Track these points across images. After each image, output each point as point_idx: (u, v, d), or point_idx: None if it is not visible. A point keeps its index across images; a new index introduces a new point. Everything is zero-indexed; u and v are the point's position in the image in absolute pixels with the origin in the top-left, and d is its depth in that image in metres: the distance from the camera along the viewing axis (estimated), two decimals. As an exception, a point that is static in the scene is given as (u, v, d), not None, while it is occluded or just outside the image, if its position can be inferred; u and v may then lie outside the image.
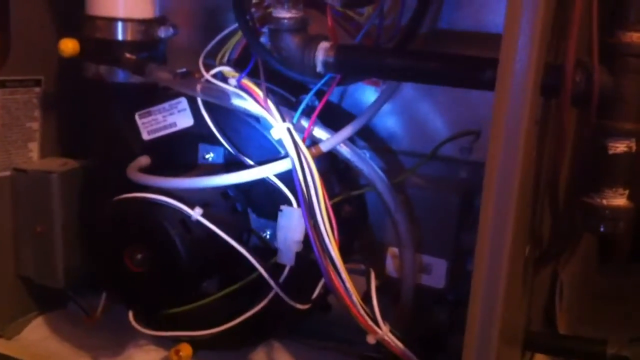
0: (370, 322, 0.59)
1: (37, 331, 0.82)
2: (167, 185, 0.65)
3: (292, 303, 0.67)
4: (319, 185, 0.60)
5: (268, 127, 0.66)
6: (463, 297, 0.74)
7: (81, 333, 0.81)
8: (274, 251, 0.68)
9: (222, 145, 0.70)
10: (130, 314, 0.66)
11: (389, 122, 0.74)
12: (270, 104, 0.64)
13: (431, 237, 0.71)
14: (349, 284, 0.58)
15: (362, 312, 0.59)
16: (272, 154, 0.68)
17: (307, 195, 0.60)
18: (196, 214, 0.63)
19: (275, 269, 0.67)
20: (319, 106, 0.65)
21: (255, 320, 0.68)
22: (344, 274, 0.58)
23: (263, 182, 0.68)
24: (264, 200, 0.70)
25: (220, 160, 0.72)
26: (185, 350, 0.73)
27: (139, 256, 0.64)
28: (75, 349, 0.79)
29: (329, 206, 0.60)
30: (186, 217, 0.64)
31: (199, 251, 0.64)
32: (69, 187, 0.78)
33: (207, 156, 0.72)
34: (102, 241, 0.66)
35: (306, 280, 0.69)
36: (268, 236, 0.71)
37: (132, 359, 0.76)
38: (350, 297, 0.58)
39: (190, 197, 0.66)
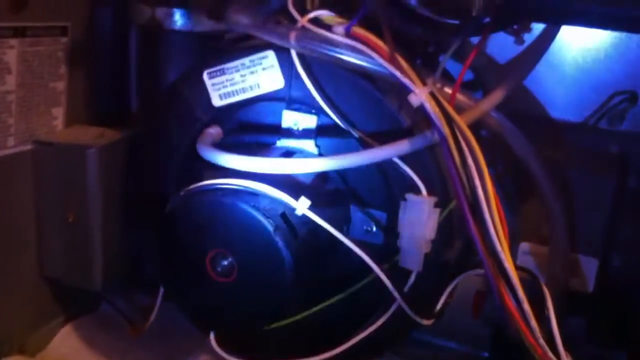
0: (551, 356, 0.44)
1: (66, 343, 0.65)
2: (263, 168, 0.49)
3: (416, 319, 0.52)
4: (483, 164, 0.44)
5: (385, 90, 0.51)
6: (607, 301, 0.61)
7: (123, 345, 0.65)
8: (379, 249, 0.54)
9: (313, 113, 0.55)
10: (212, 338, 0.50)
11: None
12: (400, 59, 0.47)
13: (579, 228, 0.57)
14: (526, 305, 0.43)
15: (542, 342, 0.43)
16: (390, 125, 0.52)
17: (466, 180, 0.44)
18: (302, 205, 0.48)
19: (393, 275, 0.52)
20: (467, 62, 0.49)
21: (366, 341, 0.53)
22: (520, 290, 0.43)
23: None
24: (372, 185, 0.55)
25: (312, 132, 0.56)
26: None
27: (224, 262, 0.48)
28: (121, 367, 0.62)
29: (495, 194, 0.44)
30: (288, 210, 0.48)
31: (305, 255, 0.49)
32: (109, 165, 0.60)
33: (294, 127, 0.56)
34: (174, 242, 0.50)
35: (427, 287, 0.54)
36: (374, 230, 0.56)
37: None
38: (527, 321, 0.43)
39: (288, 182, 0.50)
